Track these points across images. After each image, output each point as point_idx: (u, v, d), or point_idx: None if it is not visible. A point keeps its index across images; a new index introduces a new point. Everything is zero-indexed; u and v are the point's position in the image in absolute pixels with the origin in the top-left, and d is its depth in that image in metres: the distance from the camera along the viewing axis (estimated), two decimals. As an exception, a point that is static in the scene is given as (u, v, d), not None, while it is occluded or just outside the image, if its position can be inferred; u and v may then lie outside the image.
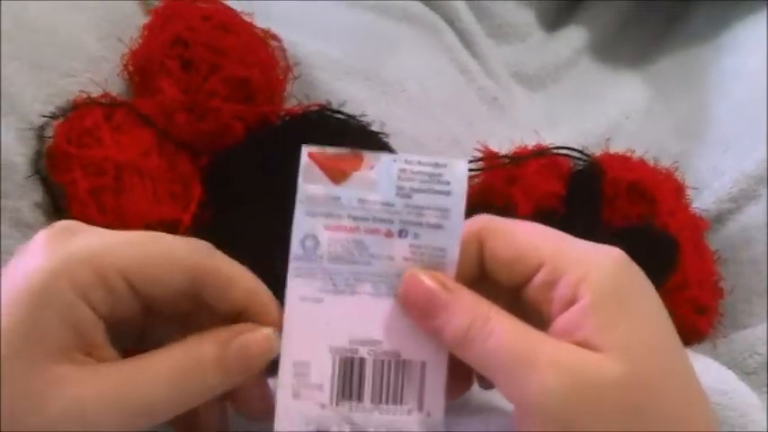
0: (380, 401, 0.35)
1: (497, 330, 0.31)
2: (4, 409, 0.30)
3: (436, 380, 0.35)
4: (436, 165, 0.34)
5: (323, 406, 0.34)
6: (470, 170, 0.53)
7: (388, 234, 0.34)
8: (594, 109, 0.66)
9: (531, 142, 0.54)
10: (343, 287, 0.34)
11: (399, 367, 0.35)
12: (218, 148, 0.49)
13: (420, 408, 0.35)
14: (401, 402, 0.35)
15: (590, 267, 0.32)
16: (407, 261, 0.34)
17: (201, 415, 0.36)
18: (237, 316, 0.34)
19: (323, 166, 0.34)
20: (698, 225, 0.54)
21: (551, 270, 0.32)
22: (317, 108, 0.51)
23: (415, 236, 0.34)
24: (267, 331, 0.33)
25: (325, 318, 0.34)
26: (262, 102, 0.50)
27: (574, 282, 0.31)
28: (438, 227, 0.34)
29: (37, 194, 0.46)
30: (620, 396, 0.30)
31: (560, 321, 0.31)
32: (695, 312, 0.51)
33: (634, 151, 0.54)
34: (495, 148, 0.53)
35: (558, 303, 0.32)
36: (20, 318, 0.30)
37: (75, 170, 0.45)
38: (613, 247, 0.33)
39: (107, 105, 0.47)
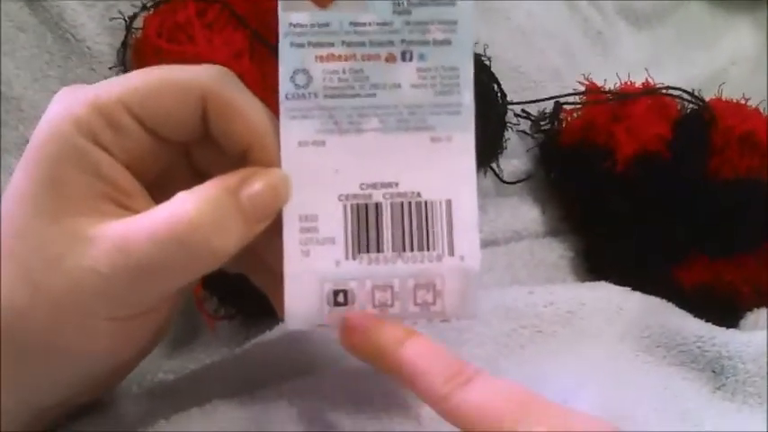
0: (403, 249, 0.31)
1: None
2: (22, 268, 0.28)
3: (466, 219, 0.31)
4: None
5: (338, 262, 0.31)
6: (572, 103, 0.50)
7: (390, 58, 0.30)
8: (701, 54, 0.62)
9: (637, 80, 0.50)
10: (347, 125, 0.30)
11: (421, 209, 0.31)
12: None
13: (451, 252, 0.31)
14: (428, 248, 0.31)
15: None
16: (417, 88, 0.30)
17: None
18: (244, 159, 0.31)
19: None
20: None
21: None
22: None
23: (421, 57, 0.30)
24: (274, 171, 0.30)
25: (329, 162, 0.31)
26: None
27: None
28: (446, 43, 0.30)
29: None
30: None
31: None
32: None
33: (749, 99, 0.50)
34: (598, 83, 0.50)
35: None
36: (37, 173, 0.29)
37: (163, 66, 0.43)
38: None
39: (200, 1, 0.45)
